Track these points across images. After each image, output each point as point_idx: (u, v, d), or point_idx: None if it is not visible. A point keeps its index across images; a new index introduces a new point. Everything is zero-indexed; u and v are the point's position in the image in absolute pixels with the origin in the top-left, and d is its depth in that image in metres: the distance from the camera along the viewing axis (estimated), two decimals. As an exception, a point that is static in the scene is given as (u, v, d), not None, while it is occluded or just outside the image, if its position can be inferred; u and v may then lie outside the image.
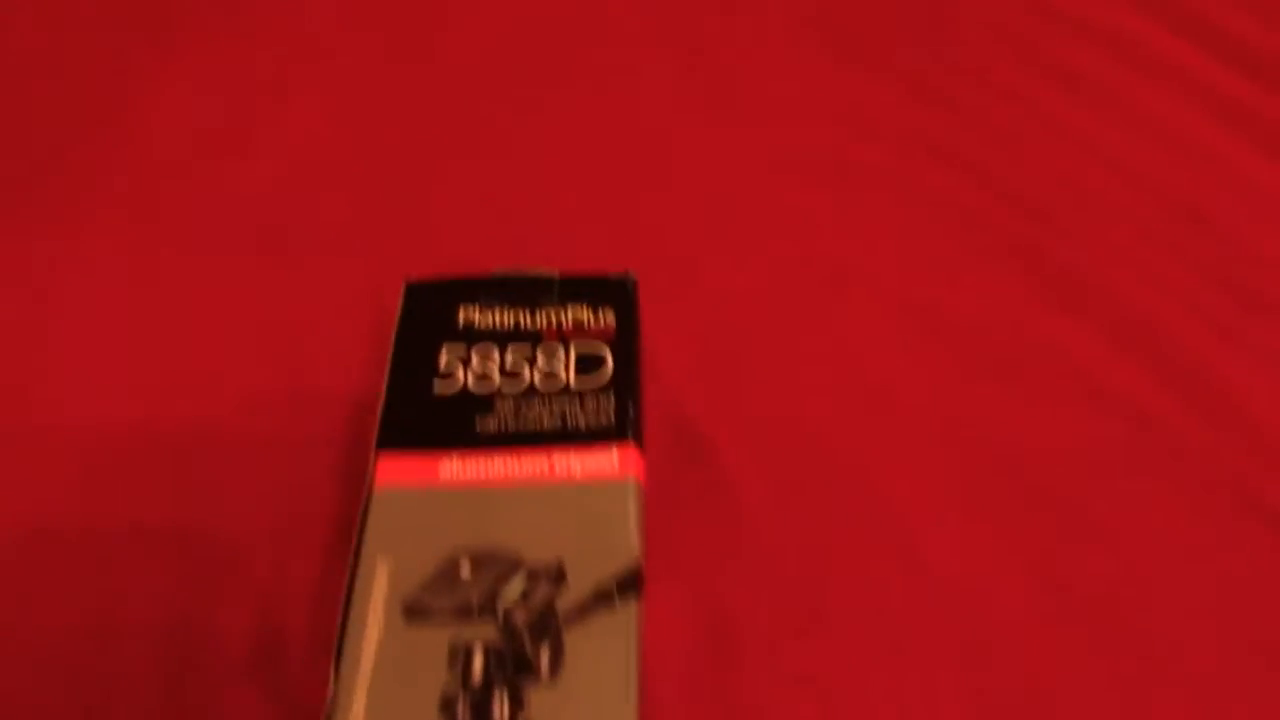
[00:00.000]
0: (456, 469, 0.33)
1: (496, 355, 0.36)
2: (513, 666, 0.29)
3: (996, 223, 0.47)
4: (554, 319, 0.37)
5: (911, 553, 0.37)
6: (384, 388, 0.35)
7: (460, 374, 0.35)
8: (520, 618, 0.30)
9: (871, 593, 0.36)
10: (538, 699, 0.28)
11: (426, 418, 0.34)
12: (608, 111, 0.51)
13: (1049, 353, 0.43)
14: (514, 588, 0.30)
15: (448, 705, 0.28)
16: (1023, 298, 0.45)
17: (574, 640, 0.29)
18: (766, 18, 0.56)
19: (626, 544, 0.31)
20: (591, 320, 0.37)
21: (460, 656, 0.29)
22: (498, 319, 0.37)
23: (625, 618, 0.30)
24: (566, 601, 0.30)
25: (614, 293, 0.38)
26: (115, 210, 0.47)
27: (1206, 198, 0.48)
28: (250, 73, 0.53)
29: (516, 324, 0.37)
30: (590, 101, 0.52)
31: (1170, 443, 0.40)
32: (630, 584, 0.30)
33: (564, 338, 0.36)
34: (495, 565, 0.31)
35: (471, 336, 0.36)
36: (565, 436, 0.34)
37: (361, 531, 0.32)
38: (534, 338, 0.36)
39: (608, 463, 0.33)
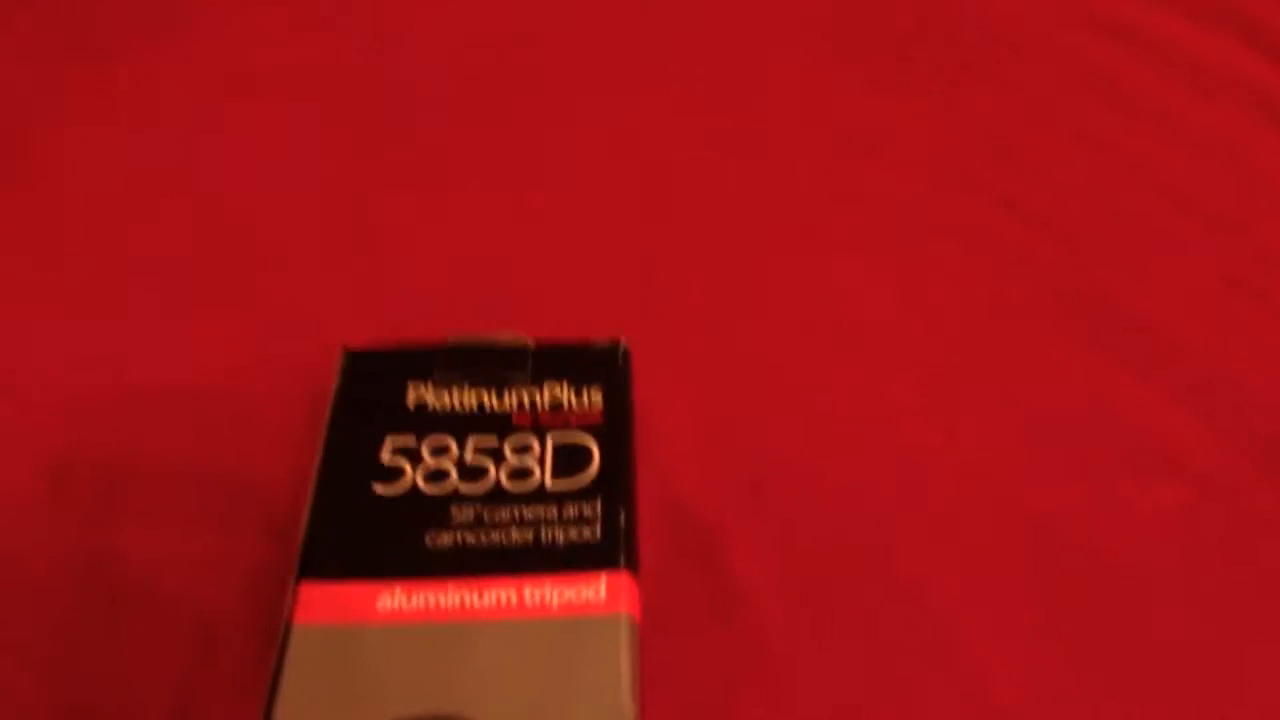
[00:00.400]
0: (399, 602, 0.26)
1: (454, 448, 0.28)
2: None
3: (1043, 264, 0.41)
4: (527, 400, 0.30)
5: (967, 681, 0.30)
6: (310, 492, 0.28)
7: (408, 472, 0.28)
8: (477, 815, 0.23)
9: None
10: None
11: (363, 532, 0.27)
12: (597, 143, 0.44)
13: (1114, 420, 0.36)
14: (469, 772, 0.23)
15: None
16: (1075, 351, 0.38)
17: None
18: (779, 35, 0.49)
19: (616, 708, 0.24)
20: (574, 402, 0.30)
21: None
22: (456, 400, 0.30)
23: (616, 814, 0.23)
24: (538, 791, 0.23)
25: (601, 366, 0.30)
26: (18, 258, 0.40)
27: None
28: (186, 107, 0.45)
29: (480, 407, 0.29)
30: (577, 132, 0.45)
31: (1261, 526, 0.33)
32: (623, 766, 0.23)
33: (539, 425, 0.29)
34: (445, 739, 0.24)
35: (423, 423, 0.29)
36: (540, 558, 0.26)
37: (274, 688, 0.24)
38: (502, 425, 0.29)
39: (593, 594, 0.26)
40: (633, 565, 0.27)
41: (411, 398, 0.30)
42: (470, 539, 0.27)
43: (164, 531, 0.33)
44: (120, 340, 0.37)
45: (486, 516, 0.27)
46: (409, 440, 0.29)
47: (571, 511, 0.27)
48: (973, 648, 0.31)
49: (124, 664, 0.30)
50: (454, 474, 0.28)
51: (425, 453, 0.28)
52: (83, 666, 0.30)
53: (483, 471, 0.28)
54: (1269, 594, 0.32)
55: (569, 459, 0.28)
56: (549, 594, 0.26)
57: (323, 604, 0.26)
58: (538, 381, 0.30)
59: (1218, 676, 0.30)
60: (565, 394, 0.30)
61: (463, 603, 0.26)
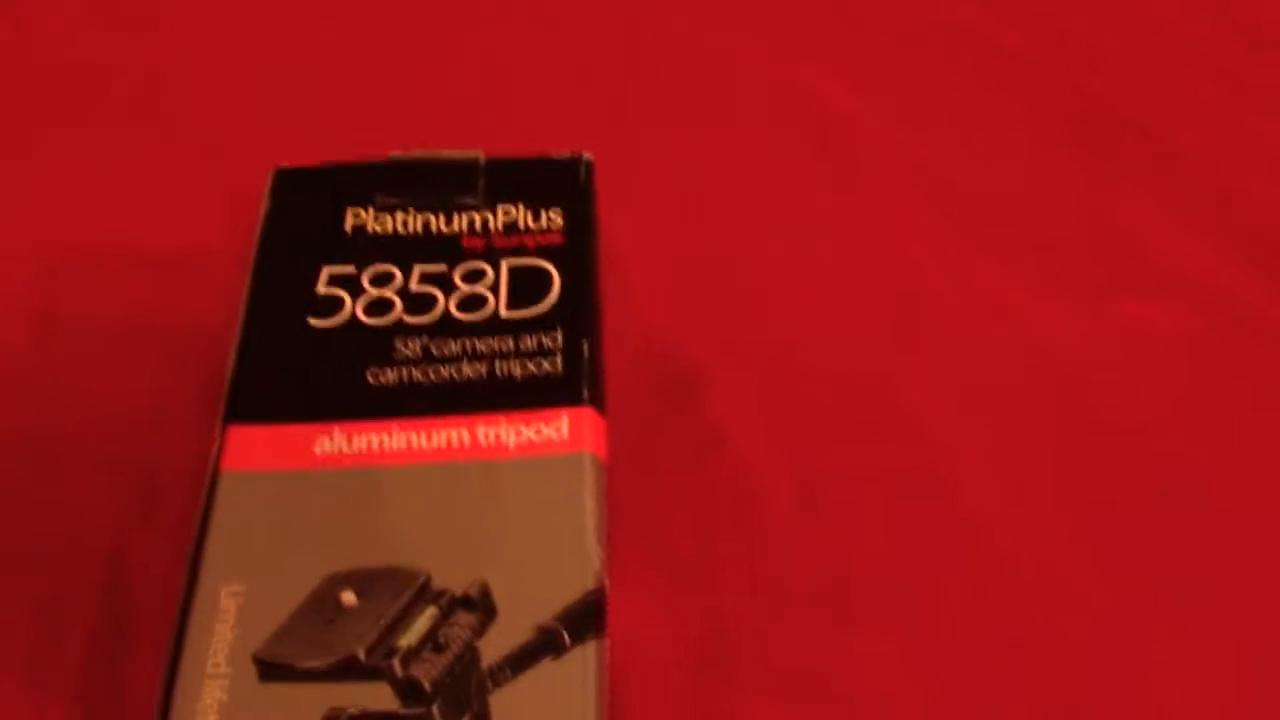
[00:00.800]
0: (338, 444, 0.23)
1: (398, 276, 0.26)
2: (415, 750, 0.20)
3: (1041, 75, 0.37)
4: (479, 222, 0.27)
5: (961, 520, 0.28)
6: (238, 328, 0.25)
7: (347, 304, 0.25)
8: (427, 673, 0.20)
9: (910, 580, 0.27)
10: (452, 800, 0.19)
11: (297, 369, 0.24)
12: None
13: (1115, 236, 0.33)
14: (418, 627, 0.21)
15: (318, 813, 0.19)
16: (1075, 165, 0.35)
17: (505, 707, 0.20)
18: None
19: (580, 555, 0.22)
20: (531, 222, 0.27)
21: (338, 735, 0.20)
22: (400, 224, 0.26)
23: (580, 669, 0.20)
24: (495, 647, 0.21)
25: (561, 182, 0.27)
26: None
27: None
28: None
29: (426, 231, 0.26)
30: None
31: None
32: (587, 617, 0.21)
33: (493, 249, 0.26)
34: (390, 592, 0.21)
35: (363, 250, 0.26)
36: (495, 394, 0.24)
37: (200, 541, 0.22)
38: (451, 250, 0.26)
39: (554, 432, 0.23)
40: (598, 401, 0.24)
41: (350, 222, 0.27)
42: (417, 375, 0.24)
43: (100, 385, 0.30)
44: (44, 190, 0.34)
45: (435, 350, 0.24)
46: (348, 269, 0.26)
47: (529, 343, 0.24)
48: (967, 483, 0.28)
49: (59, 521, 0.28)
50: (398, 304, 0.25)
51: (366, 282, 0.25)
52: (16, 523, 0.27)
53: (430, 301, 0.25)
54: (1274, 410, 0.30)
55: (526, 285, 0.25)
56: (505, 433, 0.23)
57: (254, 448, 0.23)
58: (490, 201, 0.27)
59: (1219, 494, 0.28)
60: (521, 214, 0.27)
61: (409, 444, 0.23)
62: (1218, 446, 0.29)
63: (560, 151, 0.28)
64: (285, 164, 0.28)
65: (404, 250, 0.26)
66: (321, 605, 0.21)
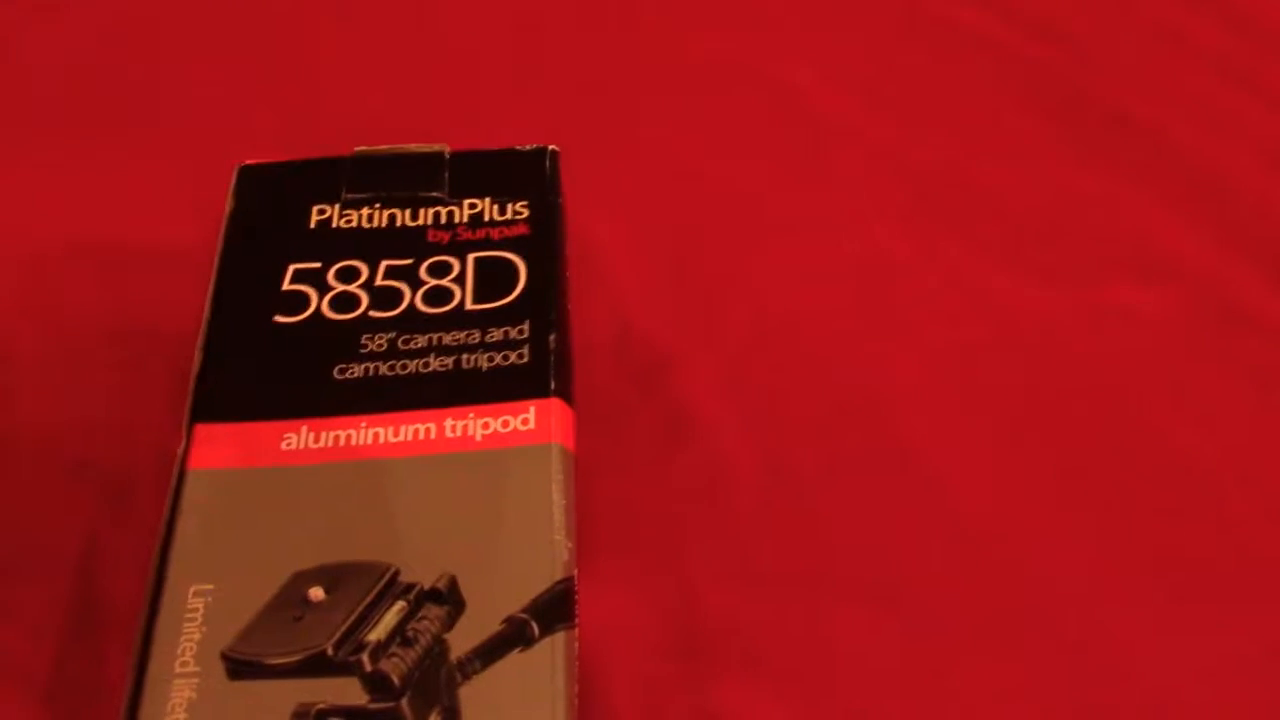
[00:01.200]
0: (305, 440, 0.23)
1: (364, 271, 0.25)
2: (385, 744, 0.20)
3: (1028, 63, 0.37)
4: (444, 216, 0.26)
5: (937, 506, 0.28)
6: (203, 325, 0.25)
7: (313, 300, 0.25)
8: (396, 667, 0.20)
9: (885, 561, 0.27)
10: (423, 793, 0.19)
11: (263, 366, 0.24)
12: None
13: (1090, 217, 0.33)
14: (386, 622, 0.21)
15: (288, 809, 0.19)
16: (1064, 153, 0.35)
17: (475, 699, 0.20)
18: None
19: (548, 545, 0.22)
20: (497, 215, 0.27)
21: (308, 731, 0.20)
22: (364, 219, 0.26)
23: (549, 659, 0.20)
24: (464, 639, 0.21)
25: (527, 174, 0.27)
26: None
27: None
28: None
29: (391, 226, 0.26)
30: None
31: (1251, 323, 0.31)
32: (555, 607, 0.21)
33: (458, 243, 0.26)
34: (358, 587, 0.21)
35: (328, 246, 0.26)
36: (461, 387, 0.24)
37: (167, 539, 0.22)
38: (416, 244, 0.26)
39: (521, 423, 0.23)
40: (565, 392, 0.24)
41: (314, 218, 0.26)
42: (384, 369, 0.24)
43: (68, 385, 0.30)
44: (12, 190, 0.34)
45: (401, 344, 0.24)
46: (313, 265, 0.26)
47: (496, 335, 0.24)
48: (944, 470, 0.28)
49: (28, 522, 0.27)
50: (364, 299, 0.25)
51: (331, 278, 0.25)
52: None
53: (396, 295, 0.25)
54: (1264, 396, 0.30)
55: (492, 278, 0.25)
56: (472, 426, 0.23)
57: (220, 446, 0.23)
58: (456, 195, 0.27)
59: (1206, 477, 0.28)
60: (487, 207, 0.27)
61: (376, 439, 0.23)
62: (1207, 431, 0.29)
63: (525, 146, 0.28)
64: (251, 160, 0.28)
65: (369, 245, 0.26)
66: (289, 602, 0.21)
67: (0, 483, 0.28)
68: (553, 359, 0.24)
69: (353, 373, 0.24)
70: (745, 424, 0.29)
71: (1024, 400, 0.30)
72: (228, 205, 0.27)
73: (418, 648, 0.20)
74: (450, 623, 0.21)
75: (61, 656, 0.25)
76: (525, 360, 0.24)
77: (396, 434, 0.23)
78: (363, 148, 0.28)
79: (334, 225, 0.26)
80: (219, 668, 0.20)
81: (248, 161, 0.28)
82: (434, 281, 0.25)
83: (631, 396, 0.29)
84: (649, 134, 0.35)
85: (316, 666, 0.20)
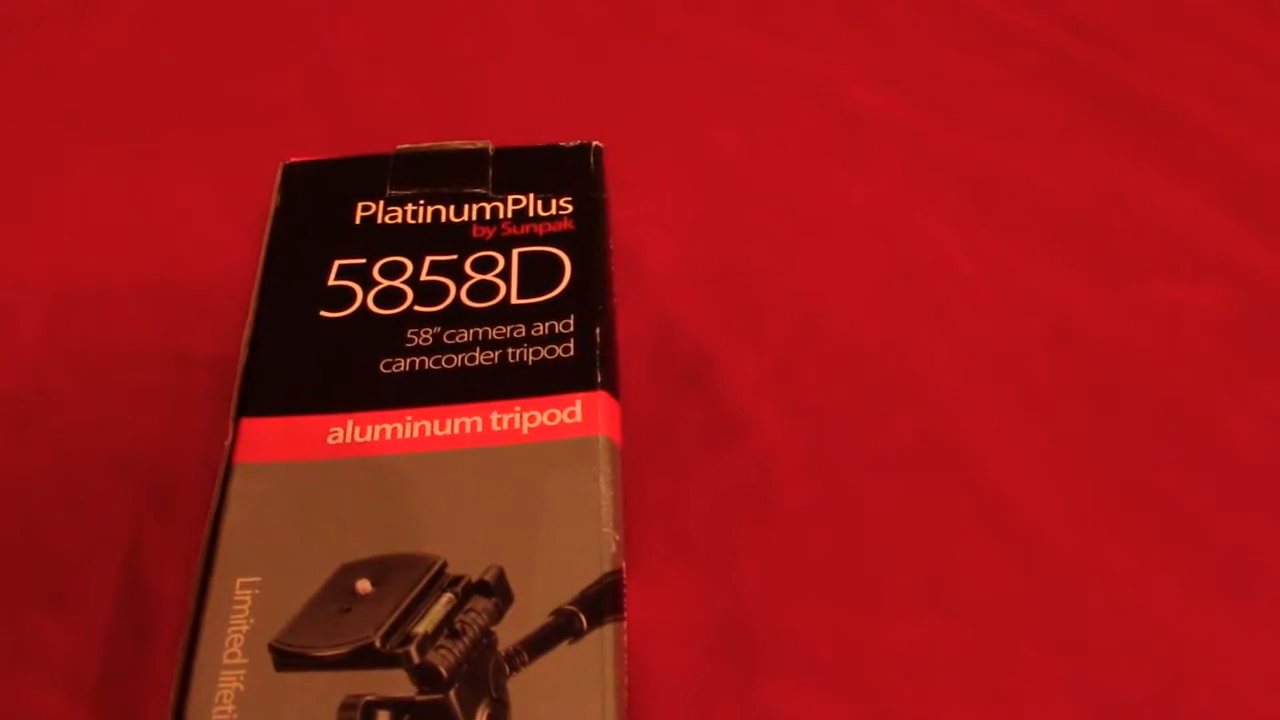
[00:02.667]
0: (352, 433, 0.23)
1: (409, 267, 0.25)
2: (433, 736, 0.19)
3: (1071, 59, 0.37)
4: (489, 211, 0.26)
5: (984, 500, 0.28)
6: (249, 321, 0.25)
7: (358, 295, 0.25)
8: (444, 659, 0.20)
9: (933, 559, 0.27)
10: (472, 786, 0.19)
11: (309, 361, 0.24)
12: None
13: (1136, 213, 0.33)
14: (434, 614, 0.21)
15: (337, 801, 0.19)
16: (1109, 150, 0.34)
17: (524, 691, 0.20)
18: None
19: (596, 538, 0.21)
20: (541, 210, 0.26)
21: (356, 723, 0.20)
22: (409, 215, 0.26)
23: (598, 651, 0.20)
24: (512, 632, 0.20)
25: (571, 170, 0.27)
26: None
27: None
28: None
29: (436, 221, 0.26)
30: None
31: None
32: (604, 600, 0.21)
33: (503, 238, 0.26)
34: (406, 579, 0.21)
35: (373, 242, 0.26)
36: (507, 381, 0.24)
37: (215, 532, 0.22)
38: (461, 240, 0.26)
39: (568, 416, 0.23)
40: (611, 385, 0.24)
41: (359, 215, 0.26)
42: (429, 364, 0.24)
43: (111, 382, 0.30)
44: (57, 191, 0.34)
45: (446, 338, 0.24)
46: (358, 261, 0.26)
47: (541, 329, 0.24)
48: (990, 463, 0.28)
49: (76, 520, 0.27)
50: (409, 294, 0.25)
51: (376, 273, 0.25)
52: (33, 523, 0.27)
53: (442, 290, 0.25)
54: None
55: (537, 272, 0.25)
56: (519, 419, 0.23)
57: (267, 440, 0.23)
58: (500, 191, 0.27)
59: (1250, 472, 0.28)
60: (531, 203, 0.27)
61: (423, 433, 0.23)
62: (1257, 425, 0.29)
63: (569, 142, 0.28)
64: (294, 158, 0.28)
65: (414, 240, 0.26)
66: (337, 594, 0.21)
67: (46, 481, 0.28)
68: (599, 352, 0.24)
69: (398, 367, 0.24)
70: (791, 421, 0.29)
71: (1072, 396, 0.29)
72: (273, 202, 0.27)
73: (465, 640, 0.20)
74: (498, 615, 0.20)
75: (109, 652, 0.25)
76: (571, 354, 0.24)
77: (443, 427, 0.23)
78: (406, 145, 0.28)
79: (379, 221, 0.26)
80: (266, 659, 0.20)
81: (292, 159, 0.28)
82: (479, 276, 0.25)
83: (675, 394, 0.29)
84: (691, 132, 0.35)
85: (364, 658, 0.20)
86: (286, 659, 0.20)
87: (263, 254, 0.26)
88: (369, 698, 0.20)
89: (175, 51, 0.37)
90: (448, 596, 0.21)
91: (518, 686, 0.20)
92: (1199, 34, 0.38)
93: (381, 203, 0.27)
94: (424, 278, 0.25)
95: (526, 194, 0.27)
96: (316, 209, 0.27)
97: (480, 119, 0.35)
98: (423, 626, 0.20)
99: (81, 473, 0.28)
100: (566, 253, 0.26)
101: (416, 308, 0.25)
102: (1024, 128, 0.36)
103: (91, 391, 0.29)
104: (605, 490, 0.22)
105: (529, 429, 0.23)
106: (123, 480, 0.28)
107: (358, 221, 0.26)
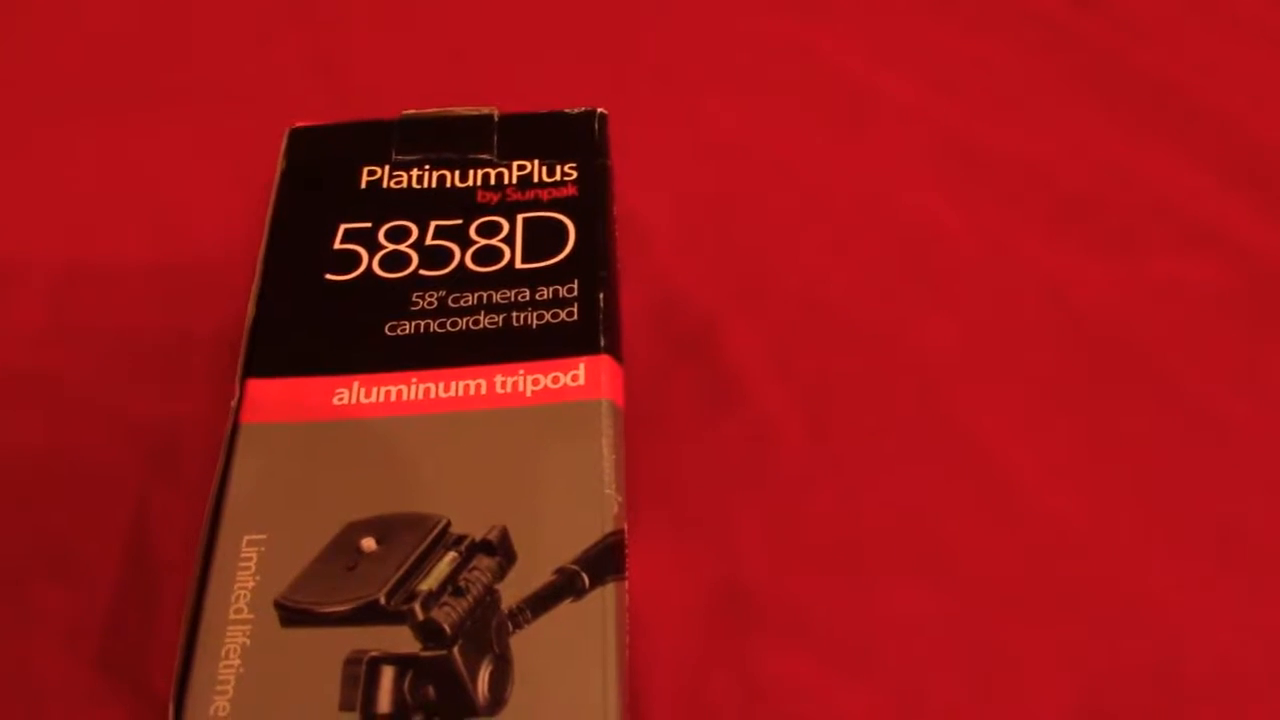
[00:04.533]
0: (357, 395, 0.23)
1: (414, 231, 0.26)
2: (438, 692, 0.20)
3: (1071, 34, 0.37)
4: (493, 177, 0.27)
5: (983, 471, 0.28)
6: (255, 284, 0.25)
7: (364, 259, 0.25)
8: (447, 616, 0.20)
9: (930, 528, 0.27)
10: (474, 740, 0.19)
11: (315, 323, 0.24)
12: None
13: (1136, 188, 0.33)
14: (438, 572, 0.21)
15: (342, 754, 0.19)
16: (1110, 125, 0.35)
17: (527, 648, 0.20)
18: None
19: (598, 499, 0.22)
20: (545, 176, 0.27)
21: (360, 678, 0.20)
22: (414, 180, 0.26)
23: (600, 610, 0.20)
24: (515, 590, 0.21)
25: (575, 136, 0.27)
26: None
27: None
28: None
29: (441, 186, 0.26)
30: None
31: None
32: (605, 559, 0.21)
33: (507, 203, 0.26)
34: (410, 538, 0.21)
35: (378, 206, 0.26)
36: (511, 344, 0.24)
37: (221, 490, 0.22)
38: (466, 205, 0.26)
39: (571, 379, 0.23)
40: (614, 350, 0.24)
41: (365, 179, 0.27)
42: (434, 327, 0.24)
43: (114, 355, 0.30)
44: (60, 152, 0.34)
45: (451, 302, 0.24)
46: (364, 225, 0.26)
47: (545, 293, 0.24)
48: (990, 434, 0.28)
49: (82, 482, 0.28)
50: (414, 258, 0.25)
51: (382, 237, 0.25)
52: (39, 486, 0.28)
53: (446, 254, 0.25)
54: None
55: (541, 238, 0.25)
56: (522, 382, 0.23)
57: (273, 401, 0.23)
58: (505, 156, 0.27)
59: (1249, 444, 0.28)
60: (536, 168, 0.27)
61: (427, 395, 0.23)
62: (1246, 398, 0.29)
63: (574, 108, 0.28)
64: (300, 124, 0.28)
65: (419, 205, 0.26)
66: (342, 552, 0.21)
67: (51, 451, 0.28)
68: (602, 316, 0.24)
69: (404, 330, 0.24)
70: (790, 391, 0.29)
71: (1069, 369, 0.29)
72: (279, 166, 0.27)
73: (469, 597, 0.21)
74: (501, 573, 0.21)
75: (113, 617, 0.25)
76: (575, 318, 0.24)
77: (447, 389, 0.23)
78: (411, 110, 0.28)
79: (384, 186, 0.26)
80: (272, 615, 0.20)
81: (298, 124, 0.28)
82: (483, 241, 0.25)
83: (675, 363, 0.29)
84: (693, 104, 0.35)
85: (369, 615, 0.20)
86: (292, 615, 0.20)
87: (269, 217, 0.26)
88: (373, 653, 0.20)
89: (175, 23, 0.37)
90: (452, 555, 0.21)
91: (520, 643, 0.20)
92: (1200, 8, 0.38)
93: (387, 167, 0.27)
94: (429, 242, 0.25)
95: (531, 160, 0.27)
96: (322, 173, 0.27)
97: (483, 88, 0.35)
98: (427, 584, 0.21)
99: (85, 443, 0.28)
100: (571, 218, 0.26)
101: (421, 271, 0.25)
102: (1025, 102, 0.36)
103: (95, 365, 0.30)
104: (607, 452, 0.22)
105: (532, 392, 0.23)
106: (127, 449, 0.28)
107: (363, 186, 0.26)
